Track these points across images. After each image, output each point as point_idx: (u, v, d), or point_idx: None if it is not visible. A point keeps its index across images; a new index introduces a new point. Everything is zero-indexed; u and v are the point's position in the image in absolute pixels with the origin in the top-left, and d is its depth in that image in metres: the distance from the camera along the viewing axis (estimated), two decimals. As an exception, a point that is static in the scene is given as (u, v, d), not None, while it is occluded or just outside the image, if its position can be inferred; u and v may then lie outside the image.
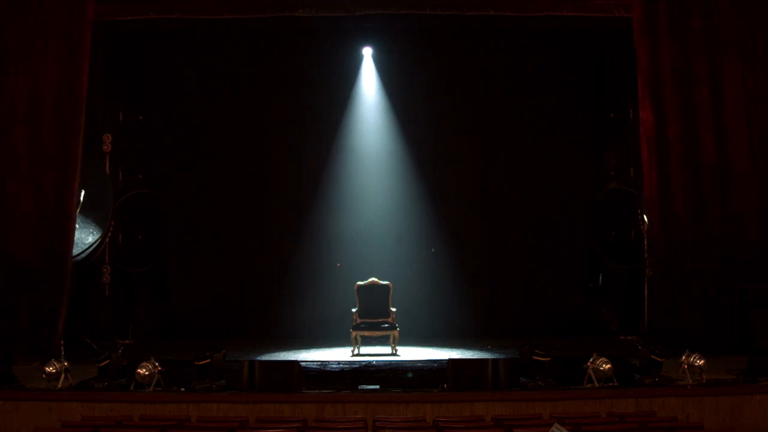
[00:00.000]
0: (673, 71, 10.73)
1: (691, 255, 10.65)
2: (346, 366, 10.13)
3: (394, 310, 11.30)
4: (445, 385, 8.53)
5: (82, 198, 11.46)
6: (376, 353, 10.94)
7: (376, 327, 11.17)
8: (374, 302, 11.31)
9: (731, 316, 10.47)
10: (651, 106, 10.76)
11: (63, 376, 8.73)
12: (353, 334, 11.04)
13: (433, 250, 13.06)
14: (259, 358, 9.89)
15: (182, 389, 8.60)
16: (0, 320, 9.63)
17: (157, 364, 8.70)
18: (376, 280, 11.53)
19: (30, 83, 10.75)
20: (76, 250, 11.27)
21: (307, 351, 11.32)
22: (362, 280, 11.54)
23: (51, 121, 10.76)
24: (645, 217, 11.69)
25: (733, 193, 10.66)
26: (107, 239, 12.34)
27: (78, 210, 11.23)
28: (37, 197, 10.74)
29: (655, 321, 11.05)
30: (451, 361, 8.74)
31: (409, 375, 9.57)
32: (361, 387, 8.77)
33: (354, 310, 11.29)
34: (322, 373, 9.71)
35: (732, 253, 10.56)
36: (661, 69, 10.76)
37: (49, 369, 8.73)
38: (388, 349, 11.02)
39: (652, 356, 8.89)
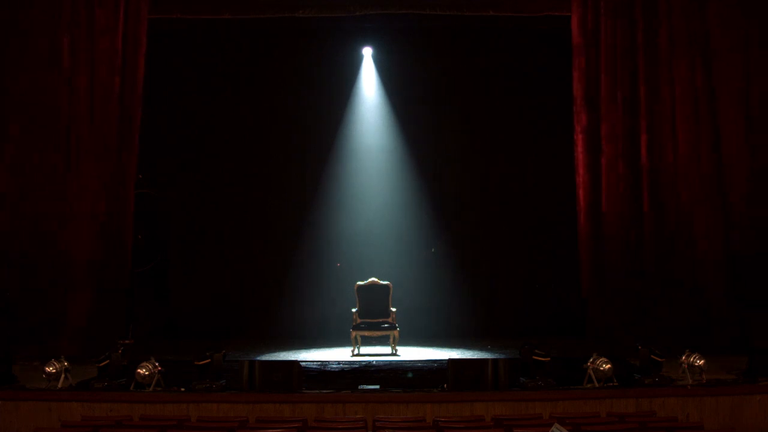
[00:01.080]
0: (608, 71, 10.76)
1: (623, 256, 10.72)
2: (346, 366, 10.13)
3: (394, 310, 11.30)
4: (445, 385, 8.52)
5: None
6: (376, 353, 10.94)
7: (376, 327, 11.17)
8: (374, 302, 11.31)
9: (670, 317, 10.63)
10: (586, 105, 10.78)
11: (63, 376, 8.72)
12: (353, 334, 11.04)
13: (433, 250, 13.06)
14: (259, 358, 9.89)
15: (182, 389, 8.59)
16: (0, 320, 9.61)
17: (157, 364, 8.70)
18: (376, 280, 11.53)
19: (91, 78, 10.93)
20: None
21: (307, 351, 11.32)
22: (362, 280, 11.54)
23: (112, 114, 10.87)
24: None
25: (667, 194, 10.71)
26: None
27: None
28: (102, 194, 10.86)
29: (590, 322, 10.99)
30: (451, 361, 8.73)
31: (409, 375, 9.56)
32: (361, 387, 8.76)
33: (354, 310, 11.30)
34: (322, 373, 9.71)
35: (664, 254, 10.66)
36: (598, 68, 10.81)
37: (49, 369, 8.72)
38: (388, 349, 11.02)
39: (652, 356, 8.89)
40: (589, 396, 8.28)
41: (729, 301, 10.65)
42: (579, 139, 10.97)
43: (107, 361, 8.87)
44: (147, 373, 8.59)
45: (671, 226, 10.80)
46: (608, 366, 8.65)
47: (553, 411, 7.88)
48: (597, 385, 8.60)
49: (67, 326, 10.89)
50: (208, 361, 8.82)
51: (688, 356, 8.76)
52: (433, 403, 8.15)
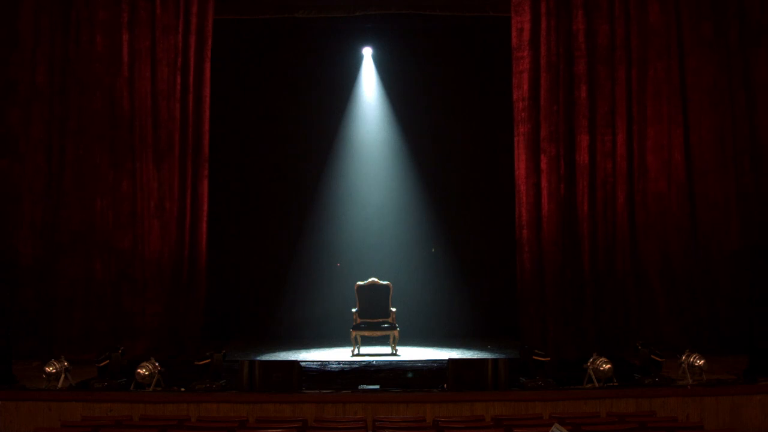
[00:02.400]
0: (550, 71, 10.79)
1: (562, 258, 10.72)
2: (346, 366, 10.14)
3: (394, 310, 11.30)
4: (445, 385, 8.52)
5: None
6: (376, 353, 10.95)
7: (376, 327, 11.18)
8: (374, 302, 11.31)
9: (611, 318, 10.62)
10: (529, 105, 10.81)
11: (63, 376, 8.72)
12: (353, 334, 11.05)
13: (433, 250, 13.06)
14: (259, 358, 9.89)
15: (182, 389, 8.59)
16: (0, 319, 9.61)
17: (157, 364, 8.70)
18: (376, 280, 11.54)
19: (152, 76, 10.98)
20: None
21: (307, 351, 11.32)
22: (362, 280, 11.54)
23: (174, 112, 10.89)
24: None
25: (605, 195, 10.74)
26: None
27: None
28: (167, 192, 10.88)
29: (522, 323, 10.95)
30: (451, 361, 8.73)
31: (409, 375, 9.56)
32: (361, 387, 8.76)
33: (354, 310, 11.30)
34: (322, 373, 9.71)
35: (602, 256, 10.68)
36: (541, 68, 10.82)
37: (49, 369, 8.72)
38: (388, 349, 11.03)
39: (652, 356, 8.88)
40: (589, 396, 8.27)
41: (670, 303, 10.67)
42: (520, 140, 10.94)
43: (107, 361, 8.86)
44: (147, 373, 8.59)
45: (609, 227, 10.80)
46: (608, 366, 8.65)
47: (553, 411, 7.87)
48: (597, 385, 8.59)
49: (140, 326, 10.81)
50: (208, 361, 8.81)
51: (688, 356, 8.76)
52: (433, 403, 8.14)
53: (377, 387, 8.76)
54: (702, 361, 8.64)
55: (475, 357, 10.60)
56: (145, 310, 10.85)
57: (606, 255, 10.77)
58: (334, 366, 10.15)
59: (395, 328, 11.12)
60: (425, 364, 10.14)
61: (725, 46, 10.89)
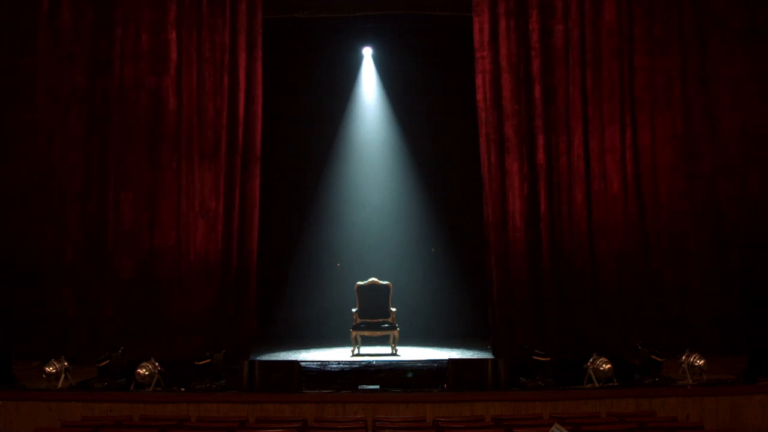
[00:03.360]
0: (511, 71, 10.80)
1: (527, 258, 10.74)
2: (346, 366, 10.14)
3: (394, 310, 11.30)
4: (445, 385, 8.52)
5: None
6: (376, 353, 10.95)
7: (376, 327, 11.18)
8: (374, 302, 11.31)
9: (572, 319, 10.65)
10: (492, 104, 10.81)
11: (63, 376, 8.72)
12: (353, 334, 11.05)
13: (433, 249, 13.06)
14: (259, 358, 9.89)
15: (182, 389, 8.59)
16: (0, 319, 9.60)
17: (157, 364, 8.70)
18: (376, 280, 11.54)
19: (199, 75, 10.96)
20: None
21: (307, 351, 11.32)
22: (362, 280, 11.54)
23: (222, 111, 10.86)
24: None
25: (563, 195, 10.78)
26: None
27: None
28: (214, 192, 10.82)
29: (491, 323, 10.96)
30: (451, 361, 8.73)
31: (409, 375, 9.56)
32: (361, 387, 8.76)
33: (354, 310, 11.30)
34: (322, 373, 9.71)
35: (561, 254, 10.72)
36: (501, 68, 10.84)
37: (49, 369, 8.72)
38: (388, 349, 11.03)
39: (652, 356, 8.88)
40: (589, 396, 8.28)
41: (623, 300, 10.68)
42: (484, 140, 10.93)
43: (107, 361, 8.87)
44: (147, 373, 8.59)
45: (566, 227, 10.80)
46: (608, 366, 8.65)
47: (553, 411, 7.88)
48: (597, 385, 8.59)
49: (188, 325, 10.76)
50: (208, 361, 8.81)
51: (688, 356, 8.76)
52: (433, 403, 8.14)
53: (377, 387, 8.76)
54: (702, 361, 8.65)
55: (475, 357, 10.59)
56: (192, 309, 10.75)
57: (566, 255, 10.76)
58: (334, 366, 10.15)
59: (395, 328, 11.12)
60: (425, 364, 10.14)
61: (680, 47, 10.86)
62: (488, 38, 10.93)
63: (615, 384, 8.63)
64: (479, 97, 10.98)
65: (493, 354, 10.59)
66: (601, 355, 8.77)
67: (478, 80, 10.98)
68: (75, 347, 10.39)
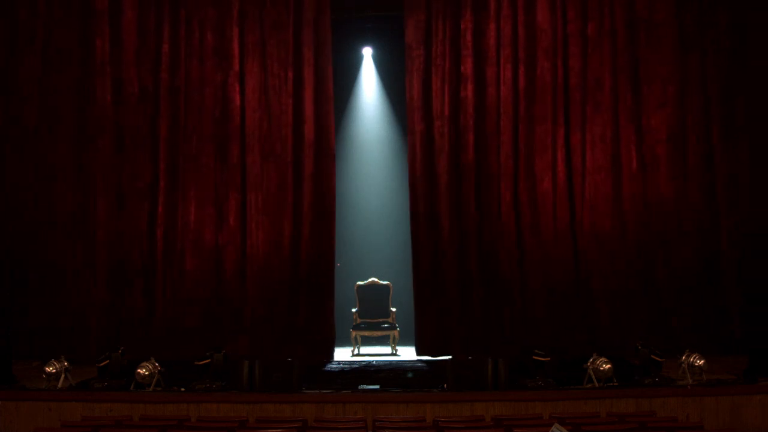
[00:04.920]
0: (443, 70, 10.79)
1: (454, 259, 10.67)
2: (346, 366, 10.15)
3: (394, 310, 11.30)
4: (445, 385, 8.53)
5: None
6: (376, 353, 10.94)
7: (376, 327, 11.18)
8: (374, 302, 11.31)
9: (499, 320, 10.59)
10: (420, 102, 10.80)
11: (63, 376, 8.72)
12: (353, 334, 11.05)
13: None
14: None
15: (182, 389, 8.59)
16: (0, 319, 9.61)
17: (157, 364, 8.70)
18: (376, 280, 11.54)
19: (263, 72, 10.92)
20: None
21: (307, 351, 11.30)
22: (362, 280, 11.54)
23: (286, 110, 10.84)
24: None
25: (491, 195, 10.72)
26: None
27: None
28: (292, 187, 10.77)
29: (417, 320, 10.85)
30: (451, 361, 8.73)
31: (409, 375, 9.57)
32: (361, 387, 8.77)
33: (354, 310, 11.30)
34: (322, 373, 9.71)
35: (488, 255, 10.66)
36: (435, 67, 10.82)
37: (49, 369, 8.72)
38: (388, 349, 11.03)
39: (652, 356, 8.89)
40: (589, 396, 8.28)
41: (548, 302, 10.60)
42: (415, 139, 10.89)
43: (107, 361, 8.87)
44: (147, 373, 8.59)
45: (495, 227, 10.72)
46: (608, 366, 8.65)
47: (553, 411, 7.88)
48: (597, 385, 8.60)
49: (257, 322, 10.67)
50: (208, 361, 8.82)
51: (688, 356, 8.76)
52: (433, 403, 8.15)
53: (377, 387, 8.76)
54: (702, 361, 8.65)
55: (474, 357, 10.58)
56: (255, 310, 10.66)
57: (492, 256, 10.68)
58: (334, 366, 10.16)
59: (395, 328, 11.13)
60: (425, 364, 10.14)
61: (612, 45, 10.82)
62: (422, 37, 10.88)
63: (615, 384, 8.63)
64: (408, 95, 10.91)
65: (417, 353, 10.49)
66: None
67: (407, 79, 10.91)
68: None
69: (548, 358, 8.85)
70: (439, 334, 10.56)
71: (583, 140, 10.80)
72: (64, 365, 8.78)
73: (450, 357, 9.88)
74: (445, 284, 10.66)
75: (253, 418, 7.68)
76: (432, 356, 10.32)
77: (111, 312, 10.60)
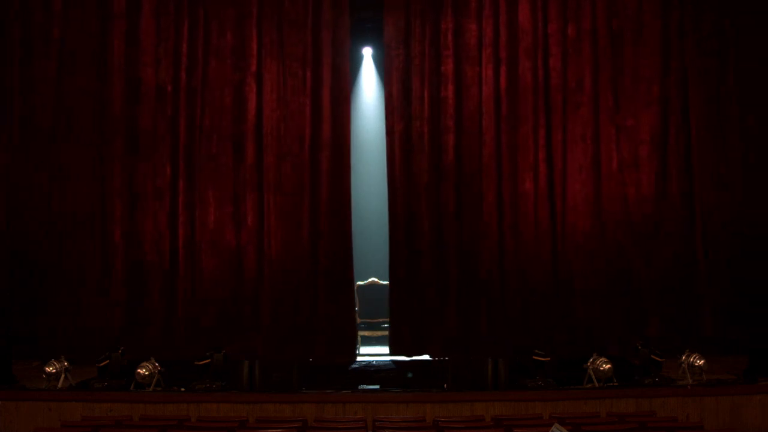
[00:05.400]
0: (422, 69, 10.72)
1: (433, 259, 10.55)
2: (346, 366, 10.13)
3: (394, 310, 11.28)
4: (445, 385, 8.53)
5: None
6: (376, 353, 10.93)
7: (376, 327, 11.17)
8: (374, 302, 11.29)
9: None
10: (400, 102, 10.72)
11: (63, 376, 8.73)
12: (353, 334, 11.04)
13: None
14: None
15: (182, 389, 8.60)
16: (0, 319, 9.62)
17: (157, 364, 8.70)
18: (376, 280, 11.53)
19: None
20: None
21: (308, 351, 11.29)
22: (362, 280, 11.52)
23: (316, 109, 10.74)
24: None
25: (471, 195, 10.60)
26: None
27: None
28: (308, 186, 10.67)
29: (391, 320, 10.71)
30: (451, 361, 8.73)
31: (409, 375, 9.56)
32: (361, 387, 8.77)
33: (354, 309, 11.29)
34: (322, 373, 9.70)
35: (467, 254, 10.53)
36: (414, 67, 10.73)
37: (49, 369, 8.73)
38: (388, 349, 11.02)
39: (652, 356, 8.90)
40: (589, 396, 8.29)
41: (528, 302, 10.44)
42: (394, 139, 10.78)
43: (107, 361, 8.88)
44: (147, 373, 8.60)
45: (474, 227, 10.55)
46: (608, 366, 8.66)
47: (553, 411, 7.89)
48: (597, 385, 8.60)
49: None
50: (208, 361, 8.82)
51: (688, 356, 8.77)
52: (433, 403, 8.15)
53: (377, 387, 8.77)
54: (702, 361, 8.66)
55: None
56: (273, 309, 10.42)
57: (473, 256, 10.55)
58: (334, 366, 10.14)
59: (395, 328, 11.11)
60: (425, 364, 10.13)
61: (594, 46, 10.71)
62: (402, 36, 10.86)
63: (615, 384, 8.64)
64: (387, 95, 10.83)
65: (391, 353, 10.37)
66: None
67: (386, 79, 10.83)
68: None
69: (548, 358, 8.86)
70: (417, 333, 10.50)
71: (564, 140, 10.71)
72: (64, 365, 8.79)
73: (428, 357, 9.86)
74: (423, 284, 10.58)
75: (253, 418, 7.69)
76: (407, 356, 10.22)
77: (128, 312, 10.54)
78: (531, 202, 10.59)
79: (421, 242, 10.57)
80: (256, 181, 10.68)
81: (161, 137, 10.69)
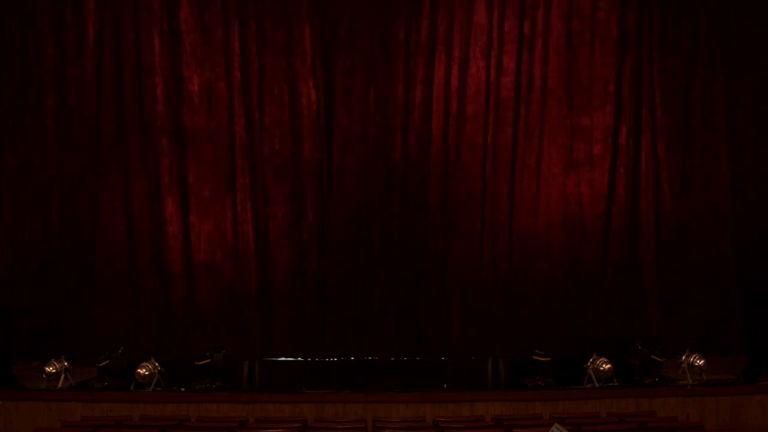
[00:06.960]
0: (371, 68, 10.68)
1: (379, 260, 10.54)
2: (347, 366, 10.11)
3: (393, 310, 11.26)
4: (445, 385, 8.53)
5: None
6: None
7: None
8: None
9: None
10: (345, 103, 10.73)
11: (63, 376, 8.73)
12: (353, 333, 11.02)
13: None
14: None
15: (182, 389, 8.60)
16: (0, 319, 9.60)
17: (157, 364, 8.70)
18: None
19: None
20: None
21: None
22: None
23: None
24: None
25: (422, 193, 10.61)
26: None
27: None
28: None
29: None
30: (451, 362, 8.74)
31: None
32: (360, 387, 8.77)
33: (354, 310, 11.26)
34: (322, 373, 9.69)
35: (420, 249, 10.56)
36: (354, 67, 10.71)
37: (49, 369, 8.72)
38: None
39: (652, 356, 8.89)
40: (589, 396, 8.29)
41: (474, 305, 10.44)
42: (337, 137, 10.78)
43: (107, 361, 8.87)
44: (147, 373, 8.60)
45: (419, 227, 10.58)
46: (608, 366, 8.66)
47: (553, 411, 7.89)
48: (597, 385, 8.60)
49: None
50: (208, 361, 8.82)
51: (688, 356, 8.77)
52: (433, 403, 8.15)
53: (378, 387, 8.76)
54: (702, 361, 8.65)
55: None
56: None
57: (418, 258, 10.54)
58: (335, 366, 10.12)
59: (395, 328, 11.09)
60: (425, 364, 10.11)
61: (547, 44, 10.66)
62: (354, 35, 10.72)
63: (615, 384, 8.64)
64: (337, 95, 10.76)
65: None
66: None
67: (337, 78, 10.76)
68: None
69: (548, 358, 8.86)
70: (340, 334, 10.38)
71: (515, 139, 10.73)
72: (64, 365, 8.79)
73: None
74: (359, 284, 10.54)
75: (253, 418, 7.69)
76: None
77: (160, 308, 10.51)
78: (479, 202, 10.55)
79: (372, 245, 10.51)
80: (317, 175, 10.62)
81: (222, 135, 10.64)
